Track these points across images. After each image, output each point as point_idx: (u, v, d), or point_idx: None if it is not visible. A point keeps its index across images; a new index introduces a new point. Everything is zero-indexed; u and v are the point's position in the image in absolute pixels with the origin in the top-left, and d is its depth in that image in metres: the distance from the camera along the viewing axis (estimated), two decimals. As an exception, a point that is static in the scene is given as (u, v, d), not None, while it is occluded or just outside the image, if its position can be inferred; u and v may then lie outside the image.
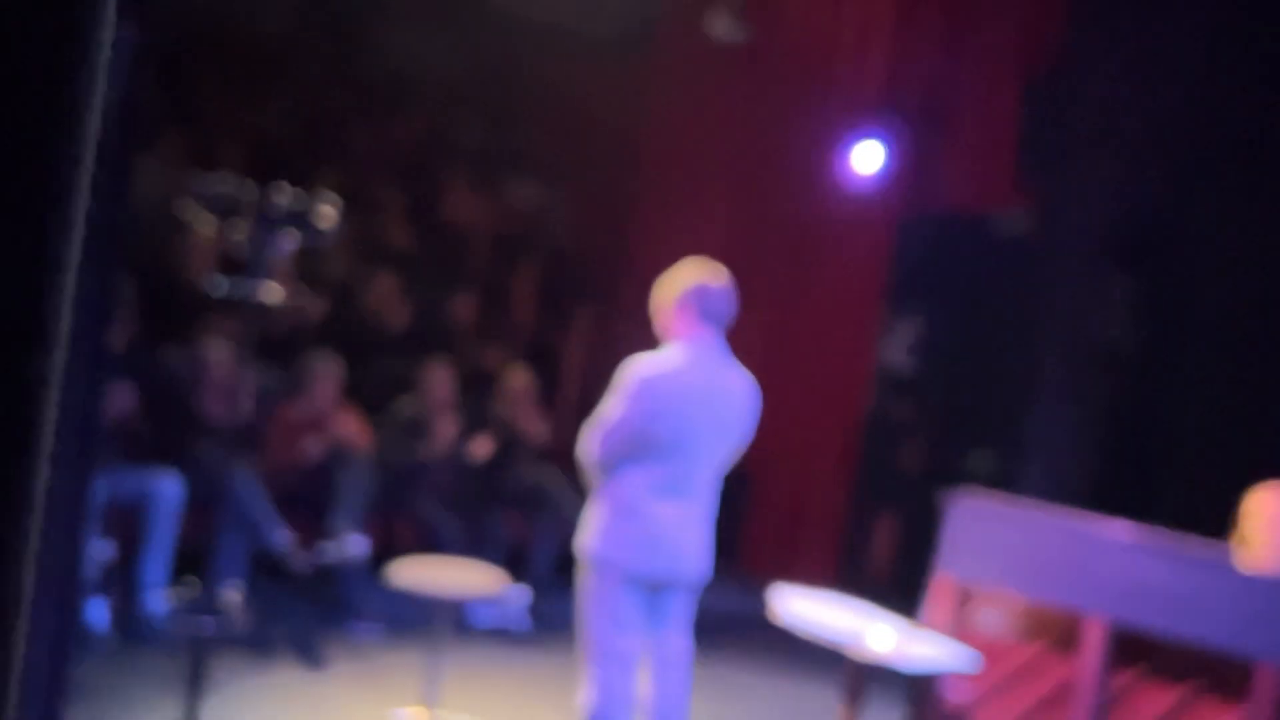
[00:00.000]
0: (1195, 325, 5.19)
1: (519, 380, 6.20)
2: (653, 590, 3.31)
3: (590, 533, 3.28)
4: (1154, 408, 5.34)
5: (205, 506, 4.14)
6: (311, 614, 5.05)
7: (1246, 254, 4.95)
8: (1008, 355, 6.07)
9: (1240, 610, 2.95)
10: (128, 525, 4.55)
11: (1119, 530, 3.23)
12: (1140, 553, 3.13)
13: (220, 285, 3.58)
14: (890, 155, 6.69)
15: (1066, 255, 5.69)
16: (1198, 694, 3.04)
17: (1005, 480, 5.71)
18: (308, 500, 5.08)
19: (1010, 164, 6.01)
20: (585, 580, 3.31)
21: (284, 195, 3.42)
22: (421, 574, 3.45)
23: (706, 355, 3.27)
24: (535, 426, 6.23)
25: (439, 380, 5.73)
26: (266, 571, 5.22)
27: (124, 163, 3.28)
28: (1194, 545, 3.25)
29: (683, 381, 3.19)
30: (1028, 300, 5.91)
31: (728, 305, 3.31)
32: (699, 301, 3.25)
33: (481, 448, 5.64)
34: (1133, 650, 3.14)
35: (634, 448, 3.19)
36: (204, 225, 3.53)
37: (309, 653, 4.55)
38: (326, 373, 5.48)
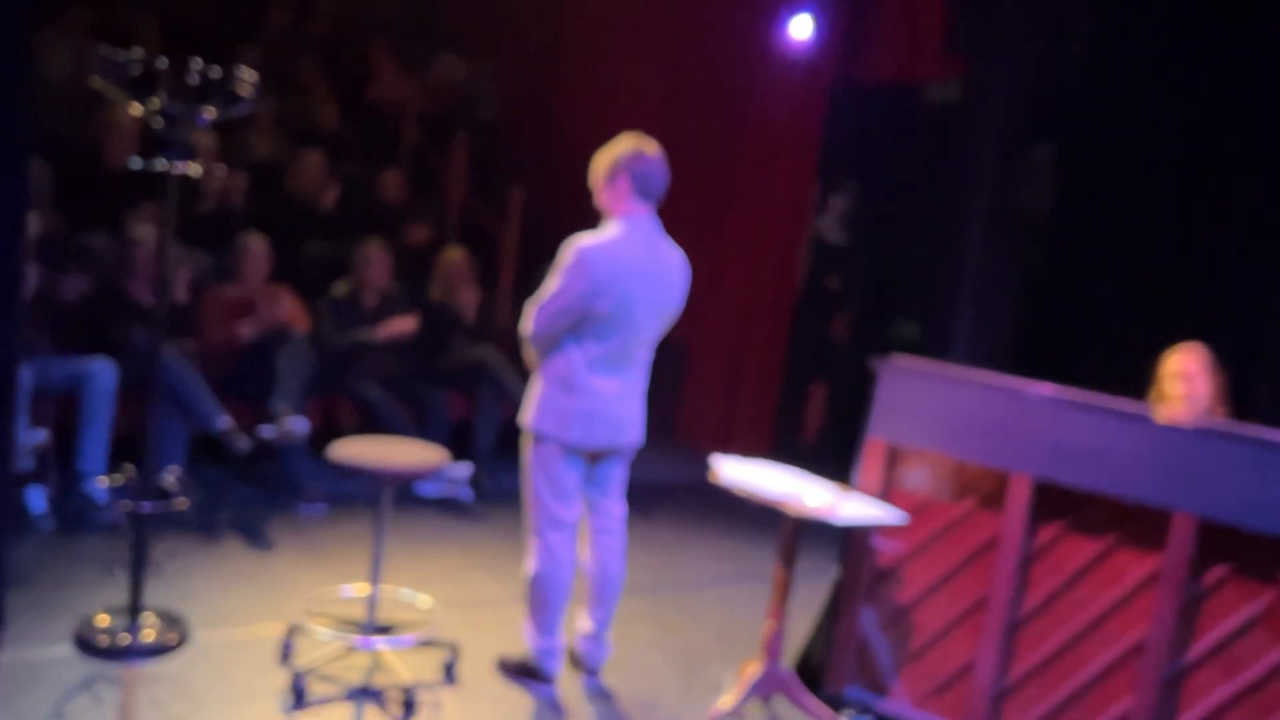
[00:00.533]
0: (1114, 191, 5.21)
1: (455, 259, 6.07)
2: (591, 460, 3.37)
3: (532, 408, 3.33)
4: (1075, 273, 5.39)
5: (140, 392, 4.01)
6: (254, 495, 5.00)
7: (1164, 119, 4.95)
8: (934, 224, 6.08)
9: (1157, 463, 3.03)
10: (62, 413, 4.42)
11: (1042, 390, 3.28)
12: (1062, 411, 3.19)
13: (140, 164, 3.40)
14: (821, 24, 6.53)
15: (991, 123, 5.65)
16: (1118, 546, 3.15)
17: (932, 347, 5.79)
18: (246, 382, 4.97)
19: (938, 32, 5.91)
20: (527, 453, 3.34)
21: (200, 68, 3.23)
22: (363, 451, 3.40)
23: (642, 231, 3.27)
24: (472, 305, 6.13)
25: (374, 260, 5.57)
26: (207, 455, 5.14)
27: (23, 38, 3.06)
28: (1113, 403, 3.31)
29: (620, 258, 3.19)
30: (954, 169, 5.89)
31: (660, 179, 3.29)
32: (632, 177, 3.24)
33: (404, 325, 5.50)
34: (1056, 506, 3.23)
35: (574, 323, 3.20)
36: (118, 102, 3.31)
37: (253, 533, 4.51)
38: (257, 254, 5.31)
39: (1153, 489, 3.03)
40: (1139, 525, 3.09)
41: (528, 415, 3.33)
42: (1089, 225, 5.35)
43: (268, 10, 8.39)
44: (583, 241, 3.19)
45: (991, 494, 3.32)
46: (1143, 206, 5.06)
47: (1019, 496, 3.23)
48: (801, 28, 6.54)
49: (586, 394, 3.22)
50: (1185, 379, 3.75)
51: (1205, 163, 4.83)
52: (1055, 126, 5.49)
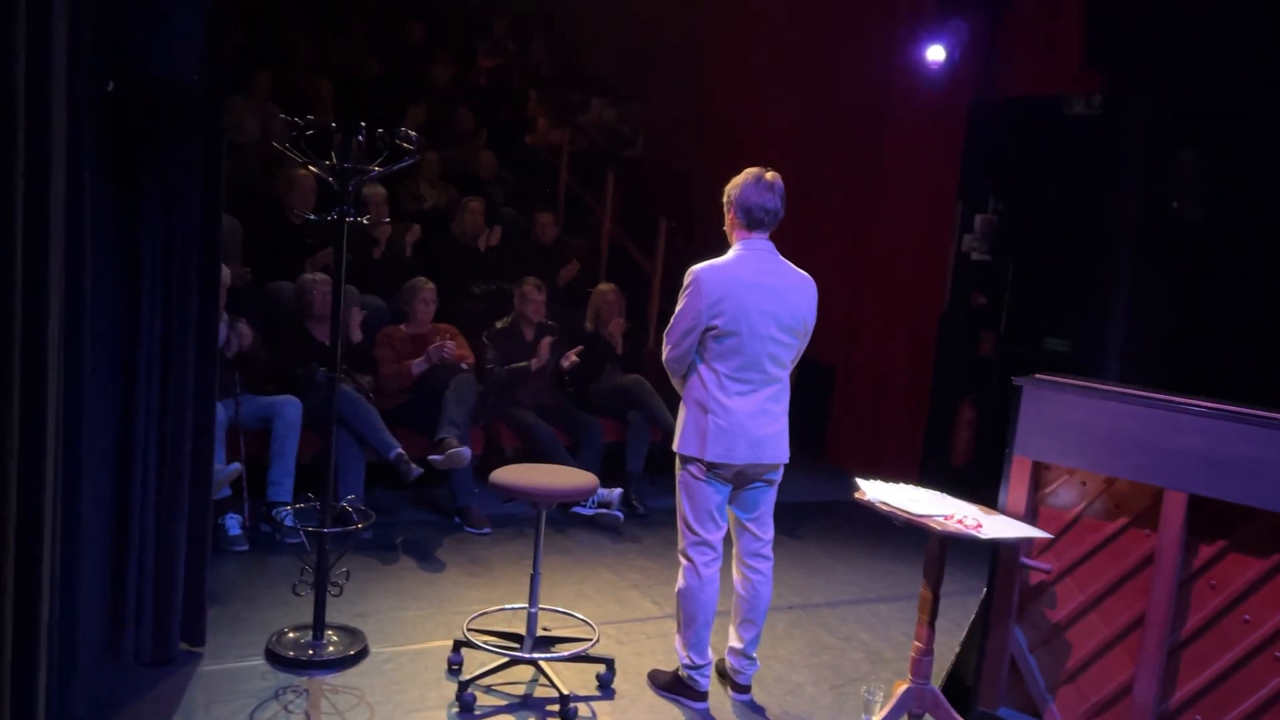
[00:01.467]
0: (1265, 198, 4.86)
1: (606, 294, 6.19)
2: (737, 482, 3.36)
3: (677, 432, 3.38)
4: (1229, 283, 5.05)
5: (322, 425, 4.25)
6: (425, 519, 5.20)
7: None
8: (1081, 238, 5.80)
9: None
10: (254, 446, 4.72)
11: (1195, 405, 3.08)
12: (1217, 426, 2.98)
13: (319, 219, 3.63)
14: (958, 43, 6.37)
15: (1134, 133, 5.37)
16: (1280, 563, 2.92)
17: (1084, 363, 5.51)
18: (417, 414, 5.19)
19: (1078, 46, 5.67)
20: (678, 476, 3.39)
21: (367, 129, 3.43)
22: (522, 476, 3.49)
23: (755, 253, 3.32)
24: (620, 335, 6.23)
25: (530, 297, 5.74)
26: (383, 483, 5.39)
27: (218, 107, 3.31)
28: (1271, 417, 3.08)
29: (733, 276, 3.26)
30: (1098, 181, 5.62)
31: (764, 206, 3.31)
32: (738, 207, 3.33)
33: (568, 359, 5.66)
34: (1215, 522, 3.02)
35: (698, 343, 3.27)
36: (300, 163, 3.54)
37: (424, 554, 4.69)
38: (425, 295, 5.55)
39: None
40: (1307, 543, 2.87)
41: (675, 439, 3.39)
42: (1241, 233, 5.01)
43: (432, 67, 8.80)
44: (698, 266, 3.30)
45: (1145, 511, 3.13)
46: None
47: (1174, 513, 3.03)
48: (937, 54, 6.41)
49: (721, 412, 3.25)
50: None
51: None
52: (1201, 134, 5.17)
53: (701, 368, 3.30)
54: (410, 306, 5.57)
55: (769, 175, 3.34)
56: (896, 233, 6.92)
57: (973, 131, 6.61)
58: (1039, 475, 3.34)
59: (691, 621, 3.37)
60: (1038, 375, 3.39)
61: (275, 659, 3.47)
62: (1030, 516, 3.32)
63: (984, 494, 3.58)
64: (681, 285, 3.33)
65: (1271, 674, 2.92)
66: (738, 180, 3.36)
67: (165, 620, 3.36)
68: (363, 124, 3.41)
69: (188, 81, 3.06)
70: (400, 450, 4.77)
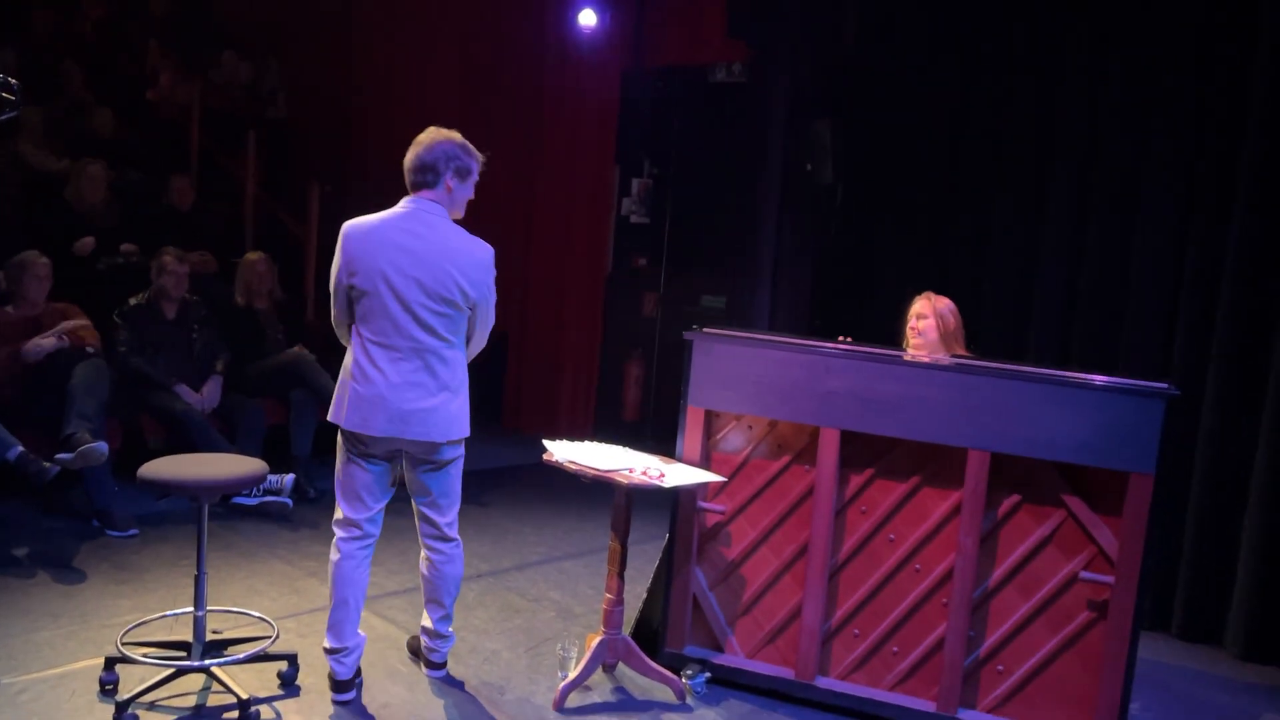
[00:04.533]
0: (887, 162, 5.47)
1: (256, 264, 5.77)
2: (407, 461, 3.19)
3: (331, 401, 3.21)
4: (860, 240, 5.63)
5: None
6: (57, 527, 4.61)
7: (932, 94, 5.23)
8: (730, 201, 6.23)
9: (952, 407, 3.20)
10: None
11: (842, 350, 3.41)
12: (862, 367, 3.32)
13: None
14: (609, 14, 6.56)
15: (775, 101, 5.83)
16: (921, 486, 3.32)
17: (737, 317, 5.94)
18: (38, 407, 4.56)
19: (721, 15, 6.03)
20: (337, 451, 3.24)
21: (-49, 73, 2.92)
22: (176, 469, 3.18)
23: (408, 213, 3.11)
24: (277, 309, 5.86)
25: (172, 270, 5.22)
26: (2, 488, 4.71)
27: None
28: (906, 357, 3.48)
29: (373, 232, 3.08)
30: (744, 147, 6.05)
31: (415, 160, 3.12)
32: (410, 165, 3.15)
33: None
34: (864, 456, 3.37)
35: (344, 301, 3.11)
36: None
37: (60, 566, 4.16)
38: (38, 271, 4.88)
39: (947, 431, 3.20)
40: (938, 466, 3.27)
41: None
42: (869, 195, 5.60)
43: (28, 13, 7.71)
44: (348, 221, 3.13)
45: (805, 449, 3.43)
46: (915, 174, 5.33)
47: (828, 448, 3.35)
48: (588, 18, 6.56)
49: (361, 379, 3.07)
50: (917, 321, 4.01)
51: (968, 131, 5.13)
52: (833, 104, 5.71)
53: (354, 331, 3.13)
54: (20, 285, 4.87)
55: (422, 135, 3.16)
56: (561, 197, 7.04)
57: (627, 98, 6.85)
58: (710, 423, 3.55)
59: (332, 603, 3.20)
60: (704, 329, 3.59)
61: (-127, 709, 2.94)
62: (705, 462, 3.53)
63: (654, 446, 3.76)
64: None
65: (913, 584, 3.33)
66: (416, 139, 3.18)
67: None
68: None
69: None
70: (22, 449, 4.18)
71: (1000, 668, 3.25)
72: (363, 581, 3.24)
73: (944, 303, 4.01)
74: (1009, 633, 3.23)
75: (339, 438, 3.22)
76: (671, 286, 6.90)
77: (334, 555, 3.23)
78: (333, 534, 3.26)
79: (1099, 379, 3.15)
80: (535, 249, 7.12)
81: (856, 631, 3.40)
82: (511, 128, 7.03)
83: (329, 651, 3.22)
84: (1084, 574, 3.13)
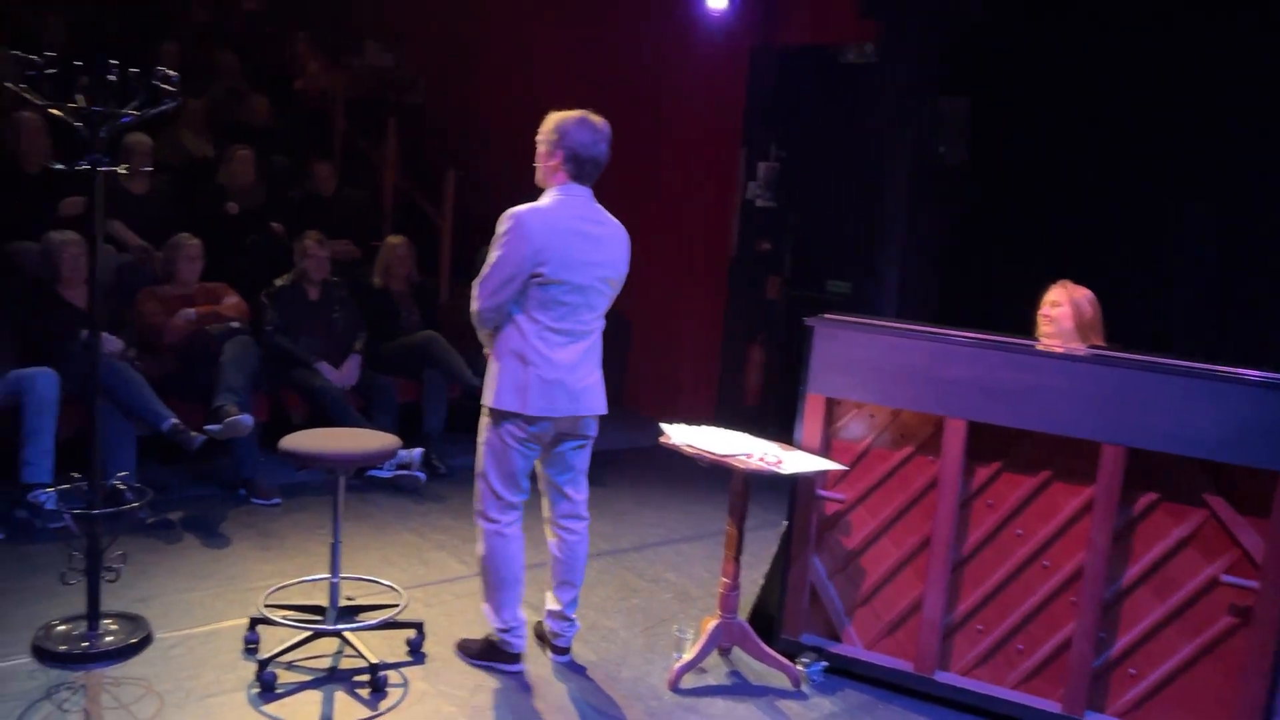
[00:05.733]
0: (1023, 141, 5.27)
1: (396, 247, 5.96)
2: (555, 439, 3.26)
3: (491, 387, 3.19)
4: (992, 223, 5.44)
5: (84, 399, 3.88)
6: (208, 495, 4.88)
7: (1065, 72, 5.01)
8: (858, 184, 6.10)
9: (1085, 399, 3.07)
10: (5, 426, 4.27)
11: (969, 338, 3.30)
12: (988, 356, 3.21)
13: (61, 169, 3.27)
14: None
15: (905, 81, 5.67)
16: (1051, 480, 3.20)
17: (862, 303, 5.82)
18: (192, 383, 4.84)
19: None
20: (484, 434, 3.25)
21: (118, 67, 3.10)
22: (314, 442, 3.32)
23: (577, 200, 3.19)
24: (412, 291, 6.05)
25: (313, 253, 5.45)
26: (158, 458, 5.01)
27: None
28: (1036, 346, 3.36)
29: (557, 222, 3.11)
30: (873, 128, 5.91)
31: (603, 159, 3.20)
32: (573, 155, 3.15)
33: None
34: (991, 448, 3.27)
35: (519, 292, 3.11)
36: (36, 106, 3.17)
37: (208, 531, 4.41)
38: (190, 253, 5.16)
39: (1080, 424, 3.07)
40: (1069, 460, 3.15)
41: (488, 394, 3.20)
42: (1001, 177, 5.40)
43: (186, 7, 8.14)
44: (517, 209, 3.11)
45: (929, 439, 3.35)
46: (1050, 155, 5.12)
47: (954, 440, 3.26)
48: (718, 1, 6.51)
49: (544, 365, 3.11)
50: (1050, 308, 3.83)
51: (1108, 109, 4.90)
52: (965, 80, 5.52)
53: (521, 318, 3.12)
54: (174, 265, 5.17)
55: (599, 120, 3.18)
56: (684, 181, 7.03)
57: (754, 80, 6.77)
58: (831, 411, 3.50)
59: (500, 585, 3.29)
60: (827, 316, 3.54)
61: (44, 655, 3.17)
62: (824, 450, 3.48)
63: (775, 432, 3.72)
64: (497, 230, 3.11)
65: (1041, 581, 3.22)
66: (567, 123, 3.15)
67: (-93, 625, 3.00)
68: (114, 62, 3.09)
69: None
70: (175, 420, 4.44)
71: (1132, 671, 3.11)
72: (522, 558, 3.33)
73: (1082, 292, 3.82)
74: (1142, 635, 3.09)
75: (498, 426, 3.19)
76: (796, 270, 6.81)
77: (494, 540, 3.26)
78: (483, 520, 3.27)
79: (1252, 373, 2.96)
80: (657, 232, 7.11)
81: (980, 627, 3.31)
82: (634, 110, 7.04)
83: (505, 630, 3.31)
84: (1226, 577, 2.96)
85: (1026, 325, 3.97)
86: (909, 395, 3.33)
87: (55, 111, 3.14)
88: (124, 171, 3.54)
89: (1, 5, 6.78)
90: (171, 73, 3.27)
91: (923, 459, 3.37)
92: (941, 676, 3.34)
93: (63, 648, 3.19)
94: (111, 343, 4.53)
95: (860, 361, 3.39)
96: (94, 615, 3.29)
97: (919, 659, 3.35)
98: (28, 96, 3.10)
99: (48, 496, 4.09)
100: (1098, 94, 4.93)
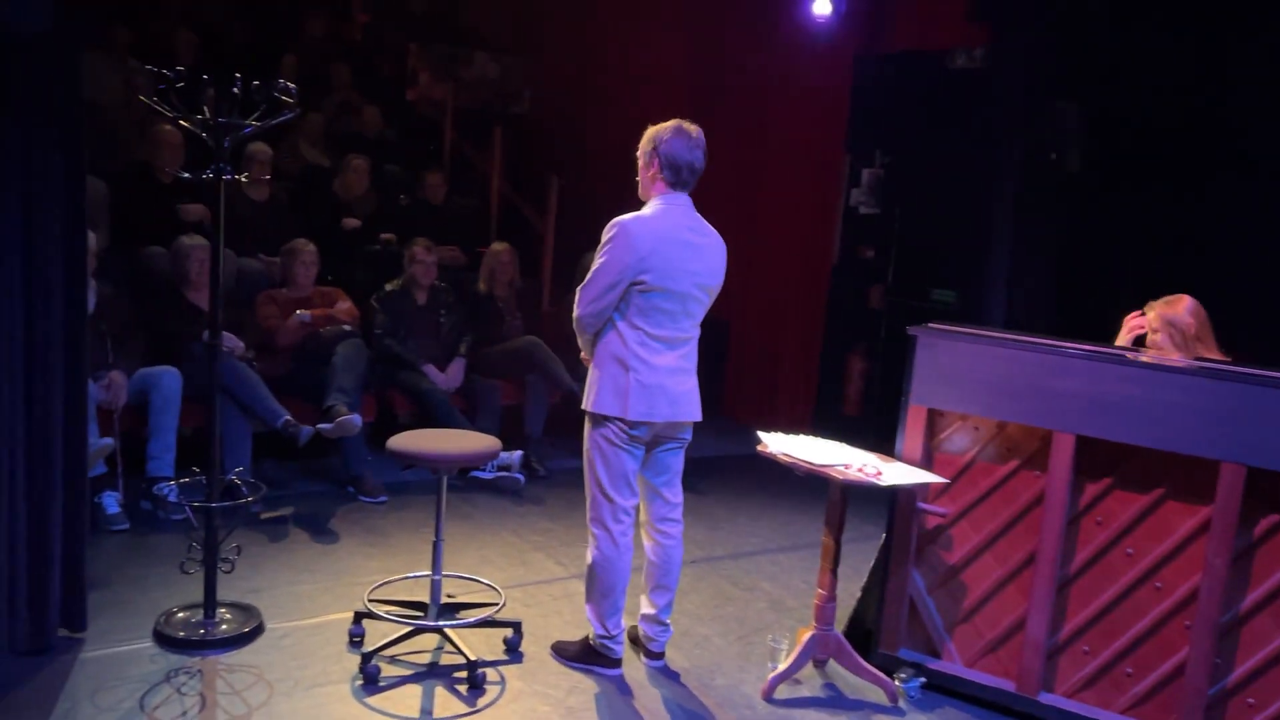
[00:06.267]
0: (1138, 147, 5.08)
1: (500, 254, 6.08)
2: (651, 442, 3.30)
3: (592, 392, 3.25)
4: (1110, 230, 5.26)
5: (205, 397, 4.07)
6: (317, 491, 5.06)
7: (1182, 76, 4.81)
8: (965, 191, 5.96)
9: (1203, 415, 2.94)
10: (131, 422, 4.49)
11: (1079, 349, 3.20)
12: (1100, 369, 3.11)
13: (189, 178, 3.44)
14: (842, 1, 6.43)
15: (1017, 86, 5.52)
16: (1165, 499, 3.07)
17: (968, 313, 5.69)
18: (304, 383, 5.02)
19: (961, 1, 5.78)
20: (588, 439, 3.30)
21: (242, 81, 3.25)
22: (419, 442, 3.41)
23: (678, 209, 3.24)
24: (516, 297, 6.15)
25: (422, 259, 5.59)
26: (272, 454, 5.21)
27: (73, 61, 3.09)
28: (1150, 359, 3.23)
29: (659, 231, 3.16)
30: (982, 134, 5.77)
31: (699, 166, 3.23)
32: (671, 163, 3.20)
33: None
34: (1101, 463, 3.16)
35: (621, 299, 3.16)
36: (167, 119, 3.34)
37: (318, 526, 4.56)
38: (305, 258, 5.36)
39: (1198, 441, 2.95)
40: (1184, 478, 3.02)
41: (589, 399, 3.26)
42: (1117, 181, 5.22)
43: (303, 21, 8.45)
44: (622, 218, 3.17)
45: (1035, 453, 3.26)
46: (1169, 162, 4.92)
47: (1062, 454, 3.16)
48: (823, 6, 6.46)
49: (645, 370, 3.16)
50: (1151, 335, 3.64)
51: (1229, 114, 4.69)
52: (1079, 85, 5.35)
53: (621, 324, 3.18)
54: (290, 270, 5.37)
55: (694, 129, 3.22)
56: (787, 187, 6.99)
57: (859, 86, 6.70)
58: (934, 422, 3.43)
59: (609, 592, 3.31)
60: (931, 325, 3.47)
61: (165, 640, 3.33)
62: (926, 462, 3.41)
63: (876, 443, 3.67)
64: (602, 238, 3.17)
65: (1153, 603, 3.09)
66: (663, 133, 3.20)
67: (41, 606, 3.18)
68: (237, 75, 3.24)
69: (40, 28, 2.85)
70: (288, 417, 4.61)
71: (1251, 701, 2.96)
72: (629, 568, 3.36)
73: (1181, 306, 3.58)
74: (1263, 663, 2.93)
75: (600, 429, 3.23)
76: (899, 278, 6.70)
77: (608, 549, 3.26)
78: (596, 527, 3.28)
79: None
80: (758, 238, 7.09)
81: (1086, 648, 3.20)
82: (738, 116, 7.03)
83: (608, 637, 3.36)
84: (1356, 607, 2.80)
85: (1141, 339, 3.82)
86: (1016, 408, 3.24)
87: (183, 123, 3.31)
88: (245, 180, 3.70)
89: (140, 24, 7.15)
90: (290, 85, 3.41)
91: (1028, 473, 3.28)
92: (1045, 698, 3.23)
93: (181, 634, 3.35)
94: (232, 343, 4.73)
95: (966, 372, 3.32)
96: (210, 604, 3.44)
97: (1022, 679, 3.26)
98: (159, 109, 3.27)
99: (170, 489, 4.29)
100: (1222, 97, 4.72)
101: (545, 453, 5.66)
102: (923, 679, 3.38)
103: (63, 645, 3.25)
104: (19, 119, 2.95)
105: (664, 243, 3.14)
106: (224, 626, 3.42)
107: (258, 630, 3.46)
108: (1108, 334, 3.71)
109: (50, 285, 3.08)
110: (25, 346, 3.07)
